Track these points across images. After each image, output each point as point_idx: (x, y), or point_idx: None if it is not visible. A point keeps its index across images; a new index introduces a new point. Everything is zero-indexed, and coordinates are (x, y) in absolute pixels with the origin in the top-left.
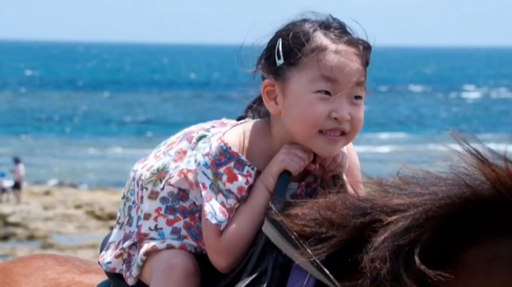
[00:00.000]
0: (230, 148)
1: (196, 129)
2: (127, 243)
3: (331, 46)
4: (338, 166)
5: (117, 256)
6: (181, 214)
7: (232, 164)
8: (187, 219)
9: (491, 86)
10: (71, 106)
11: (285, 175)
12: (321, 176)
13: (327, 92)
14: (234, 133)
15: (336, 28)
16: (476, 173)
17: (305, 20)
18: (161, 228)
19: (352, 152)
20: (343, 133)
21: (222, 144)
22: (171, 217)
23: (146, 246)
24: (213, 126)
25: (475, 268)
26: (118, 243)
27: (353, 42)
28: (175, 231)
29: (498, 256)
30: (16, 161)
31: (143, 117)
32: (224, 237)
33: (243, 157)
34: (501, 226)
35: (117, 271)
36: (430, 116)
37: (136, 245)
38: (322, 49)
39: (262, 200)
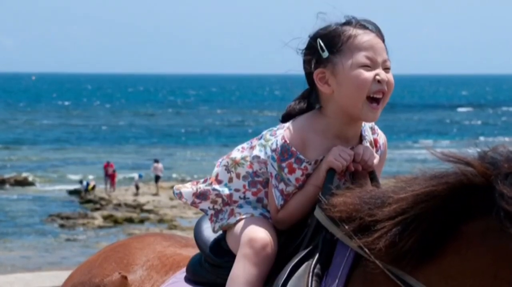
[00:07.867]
0: (291, 147)
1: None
2: (224, 197)
3: (360, 32)
4: (369, 166)
5: (212, 201)
6: (261, 185)
7: (292, 160)
8: (267, 189)
9: None
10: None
11: (331, 172)
12: (357, 171)
13: (368, 66)
14: (294, 131)
15: (356, 22)
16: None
17: (329, 25)
18: (248, 198)
19: (385, 154)
20: (383, 95)
21: (286, 143)
22: (254, 189)
23: (237, 212)
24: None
25: (474, 238)
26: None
27: (372, 29)
28: (260, 200)
29: (490, 228)
30: (156, 161)
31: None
32: (281, 214)
33: (301, 156)
34: (488, 204)
35: (199, 206)
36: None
37: (228, 204)
38: (355, 36)
39: (313, 190)
